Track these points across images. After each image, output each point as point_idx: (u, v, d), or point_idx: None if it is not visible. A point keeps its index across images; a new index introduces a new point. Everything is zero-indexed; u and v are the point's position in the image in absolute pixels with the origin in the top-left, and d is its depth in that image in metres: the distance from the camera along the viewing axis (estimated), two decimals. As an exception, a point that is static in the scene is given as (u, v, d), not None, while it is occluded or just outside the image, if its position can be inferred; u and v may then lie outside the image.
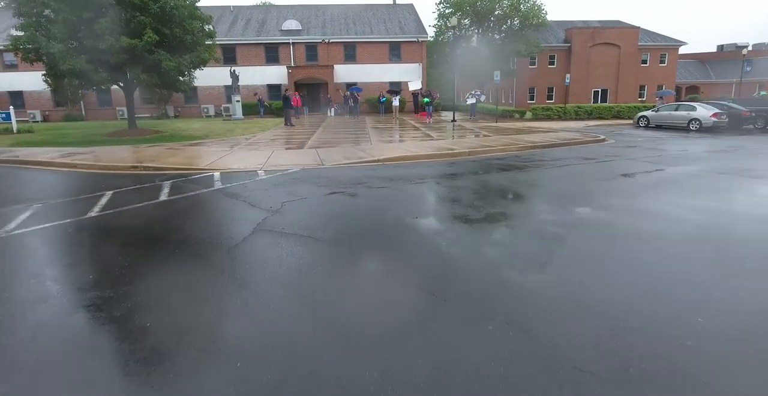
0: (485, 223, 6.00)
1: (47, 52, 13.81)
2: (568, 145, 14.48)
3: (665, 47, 46.17)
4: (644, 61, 45.97)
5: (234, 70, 26.46)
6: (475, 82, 40.49)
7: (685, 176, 9.22)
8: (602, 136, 16.22)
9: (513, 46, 35.11)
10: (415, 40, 32.74)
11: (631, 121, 24.82)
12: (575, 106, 27.11)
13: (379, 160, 11.23)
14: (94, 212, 6.85)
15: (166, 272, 4.56)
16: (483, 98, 26.40)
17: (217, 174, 9.88)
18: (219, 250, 5.08)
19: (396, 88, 33.01)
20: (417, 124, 22.83)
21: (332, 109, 30.21)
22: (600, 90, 45.67)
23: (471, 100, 26.13)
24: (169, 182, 9.07)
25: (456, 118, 24.43)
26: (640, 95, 46.34)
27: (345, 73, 33.18)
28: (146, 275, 4.44)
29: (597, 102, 45.91)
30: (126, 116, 31.32)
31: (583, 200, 7.20)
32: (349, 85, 33.51)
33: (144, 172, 10.46)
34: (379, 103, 30.51)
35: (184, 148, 14.23)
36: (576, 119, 25.91)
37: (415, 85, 28.56)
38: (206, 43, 17.27)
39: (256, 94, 31.66)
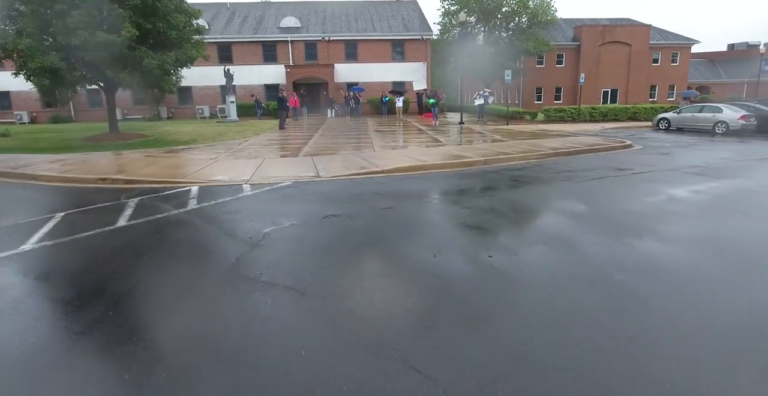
0: (525, 267, 4.56)
1: (14, 48, 12.41)
2: (594, 151, 13.03)
3: (677, 46, 44.66)
4: (655, 60, 44.48)
5: (228, 69, 25.06)
6: (481, 81, 39.10)
7: (749, 193, 7.77)
8: (628, 142, 14.77)
9: (521, 45, 33.64)
10: (420, 37, 31.31)
11: (649, 124, 23.36)
12: (590, 107, 25.66)
13: (383, 171, 9.80)
14: (29, 244, 5.45)
15: (71, 368, 3.13)
16: (492, 99, 24.94)
17: (195, 189, 8.46)
18: (166, 318, 3.65)
19: (399, 88, 31.58)
20: (422, 127, 21.41)
21: (333, 110, 28.78)
22: (610, 90, 44.21)
23: (479, 101, 24.69)
24: (135, 200, 7.65)
25: (463, 120, 23.00)
26: (651, 95, 44.86)
27: (346, 72, 31.76)
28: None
29: (606, 102, 44.48)
30: (117, 117, 30.02)
31: (640, 229, 5.76)
32: (350, 85, 32.10)
33: (112, 185, 9.04)
34: (381, 104, 29.08)
35: (165, 155, 12.82)
36: (590, 121, 24.45)
37: (418, 85, 27.14)
38: (194, 39, 15.82)
39: (252, 95, 30.26)
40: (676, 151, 13.42)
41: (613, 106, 27.15)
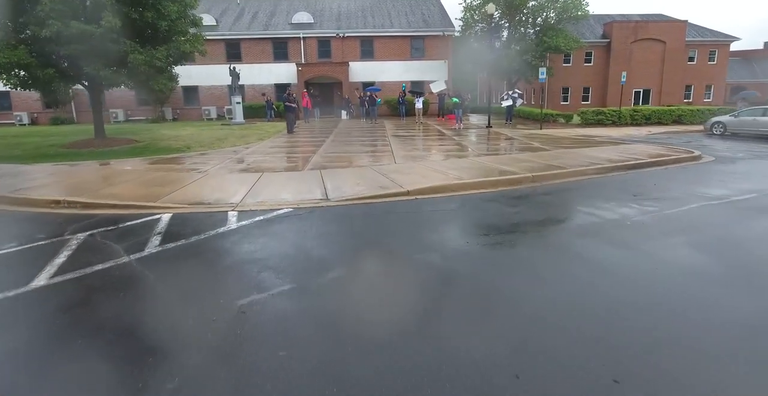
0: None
1: (-24, 41, 10.63)
2: (660, 164, 10.77)
3: (715, 43, 41.73)
4: (691, 59, 41.64)
5: (234, 68, 23.23)
6: (504, 81, 36.74)
7: None
8: (696, 152, 12.46)
9: (549, 42, 31.27)
10: (441, 33, 29.14)
11: (699, 128, 20.88)
12: (630, 109, 23.23)
13: (409, 193, 7.72)
14: None
15: None
16: (521, 101, 22.72)
17: (166, 217, 6.48)
18: None
19: (418, 88, 29.45)
20: (446, 131, 19.28)
21: (348, 112, 26.79)
22: (642, 90, 41.51)
23: (507, 102, 22.44)
24: (82, 237, 5.70)
25: (491, 122, 20.81)
26: (686, 96, 41.99)
27: (361, 70, 29.73)
28: None
29: (638, 103, 41.81)
30: (119, 118, 28.43)
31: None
32: (366, 85, 30.08)
33: (66, 210, 7.11)
34: (399, 105, 26.98)
35: (148, 166, 10.91)
36: (632, 125, 22.03)
37: (438, 85, 24.99)
38: (190, 32, 13.90)
39: (264, 94, 28.38)
40: (760, 165, 11.08)
41: (656, 108, 24.64)
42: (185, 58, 13.90)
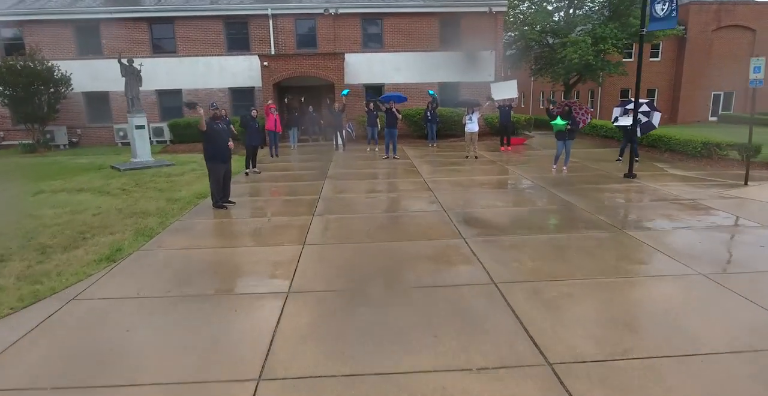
0: None
1: None
2: None
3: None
4: (787, 52, 32.14)
5: (126, 61, 12.59)
6: (553, 82, 26.64)
7: None
8: None
9: (628, 27, 21.51)
10: (486, 10, 18.89)
11: None
12: None
13: None
14: None
15: None
16: (657, 117, 12.49)
17: None
18: None
19: (451, 94, 19.19)
20: (543, 183, 9.06)
21: (344, 133, 16.32)
22: (723, 93, 31.89)
23: (623, 121, 12.31)
24: None
25: (632, 166, 10.66)
26: (780, 102, 32.48)
27: (363, 67, 19.39)
28: None
29: (718, 111, 32.22)
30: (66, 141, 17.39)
31: None
32: (371, 88, 19.70)
33: None
34: (426, 123, 16.70)
35: None
36: None
37: (504, 90, 14.84)
38: None
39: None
40: None
41: None
42: None
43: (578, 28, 24.31)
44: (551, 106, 11.61)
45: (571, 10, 24.56)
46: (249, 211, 7.87)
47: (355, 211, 7.64)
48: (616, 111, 12.74)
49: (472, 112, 13.18)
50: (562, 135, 11.02)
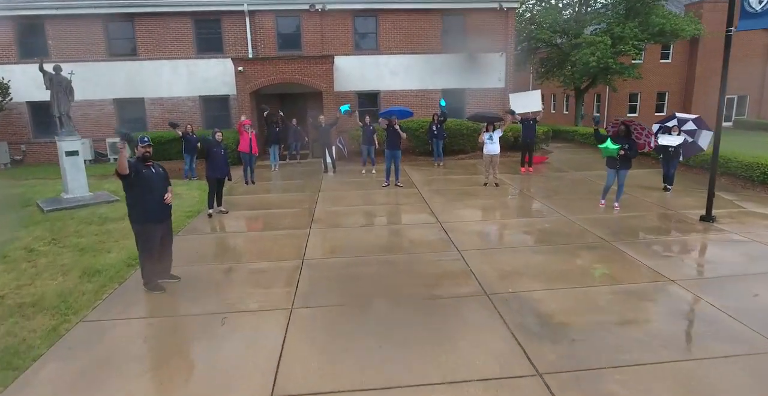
0: None
1: None
2: None
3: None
4: (804, 54, 30.39)
5: (50, 68, 9.90)
6: (571, 88, 24.35)
7: None
8: None
9: (664, 23, 19.38)
10: (496, 6, 16.50)
11: None
12: None
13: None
14: None
15: None
16: (707, 140, 10.17)
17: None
18: None
19: (455, 102, 16.81)
20: (599, 230, 6.67)
21: (333, 154, 13.77)
22: (736, 97, 30.02)
23: (674, 139, 10.04)
24: None
25: (711, 207, 8.39)
26: (796, 106, 30.74)
27: (355, 71, 16.91)
28: None
29: (732, 115, 30.36)
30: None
31: None
32: (364, 96, 17.23)
33: None
34: (431, 138, 14.25)
35: None
36: None
37: (527, 102, 12.49)
38: None
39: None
40: None
41: None
42: None
43: (591, 28, 22.10)
44: (596, 124, 9.20)
45: (582, 8, 22.28)
46: (196, 295, 5.32)
47: (353, 294, 5.17)
48: (655, 129, 10.44)
49: (493, 130, 10.75)
50: (613, 162, 8.66)
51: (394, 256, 6.47)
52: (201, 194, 10.01)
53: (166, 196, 5.23)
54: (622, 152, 8.47)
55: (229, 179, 8.81)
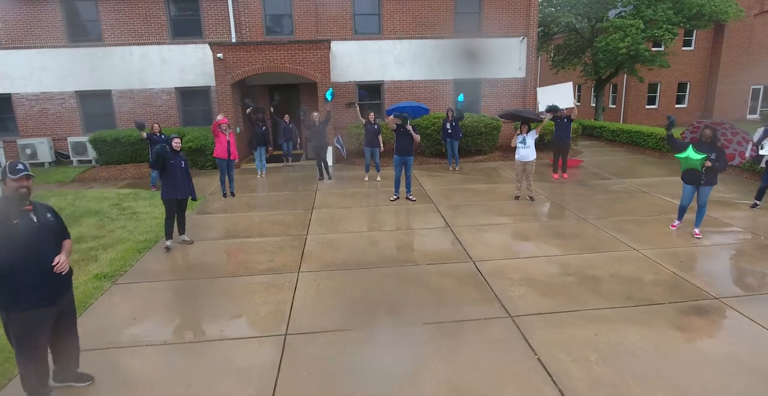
0: None
1: None
2: None
3: None
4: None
5: None
6: (594, 80, 22.21)
7: None
8: None
9: (704, 5, 17.29)
10: (517, -17, 14.32)
11: None
12: None
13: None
14: None
15: None
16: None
17: None
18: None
19: (469, 94, 14.72)
20: (686, 273, 4.73)
21: (328, 159, 11.65)
22: (762, 87, 28.02)
23: None
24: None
25: (759, 203, 6.48)
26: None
27: (355, 59, 14.77)
28: None
29: (757, 107, 28.40)
30: None
31: None
32: (364, 87, 15.10)
33: None
34: (445, 138, 12.14)
35: None
36: None
37: (555, 98, 10.39)
38: None
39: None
40: None
41: None
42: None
43: (615, 11, 19.95)
44: (670, 127, 7.11)
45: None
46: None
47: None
48: (759, 133, 8.38)
49: (527, 132, 8.68)
50: (695, 176, 6.66)
51: (412, 332, 4.44)
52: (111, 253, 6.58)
53: (56, 260, 3.16)
54: (708, 164, 6.45)
55: (194, 199, 6.72)
